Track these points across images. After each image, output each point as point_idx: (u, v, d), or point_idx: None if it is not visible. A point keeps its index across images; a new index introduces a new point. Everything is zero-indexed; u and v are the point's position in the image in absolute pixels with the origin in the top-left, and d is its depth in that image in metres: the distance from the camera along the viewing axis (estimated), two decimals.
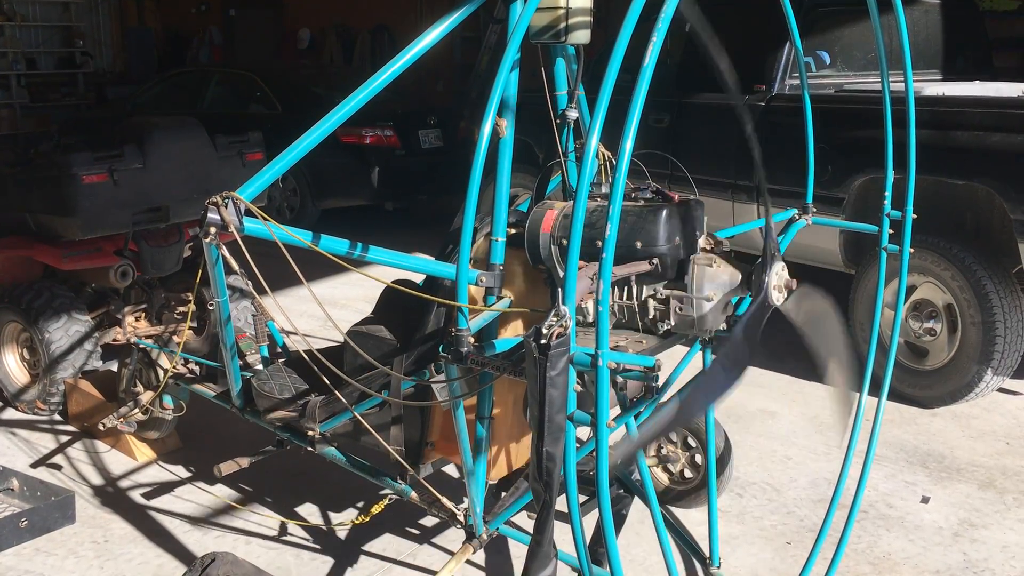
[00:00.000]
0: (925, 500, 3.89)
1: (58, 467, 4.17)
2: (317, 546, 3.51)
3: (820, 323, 2.50)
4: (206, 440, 4.34)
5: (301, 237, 2.24)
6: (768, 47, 5.64)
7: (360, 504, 3.78)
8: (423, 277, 2.93)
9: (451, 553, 3.28)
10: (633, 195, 2.61)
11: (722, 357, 2.11)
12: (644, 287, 2.52)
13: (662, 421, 2.09)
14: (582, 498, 3.04)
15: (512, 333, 2.76)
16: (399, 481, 2.98)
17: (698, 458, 3.68)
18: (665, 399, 3.18)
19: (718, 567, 3.15)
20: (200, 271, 2.59)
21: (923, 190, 4.29)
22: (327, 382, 2.58)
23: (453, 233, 2.81)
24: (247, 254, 2.20)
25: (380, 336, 2.98)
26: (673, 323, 2.50)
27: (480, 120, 2.29)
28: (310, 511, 3.76)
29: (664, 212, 2.49)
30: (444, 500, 2.90)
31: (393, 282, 2.72)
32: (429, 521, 3.62)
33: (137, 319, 5.06)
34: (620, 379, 2.15)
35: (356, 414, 2.80)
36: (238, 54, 16.38)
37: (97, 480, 4.06)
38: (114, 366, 4.31)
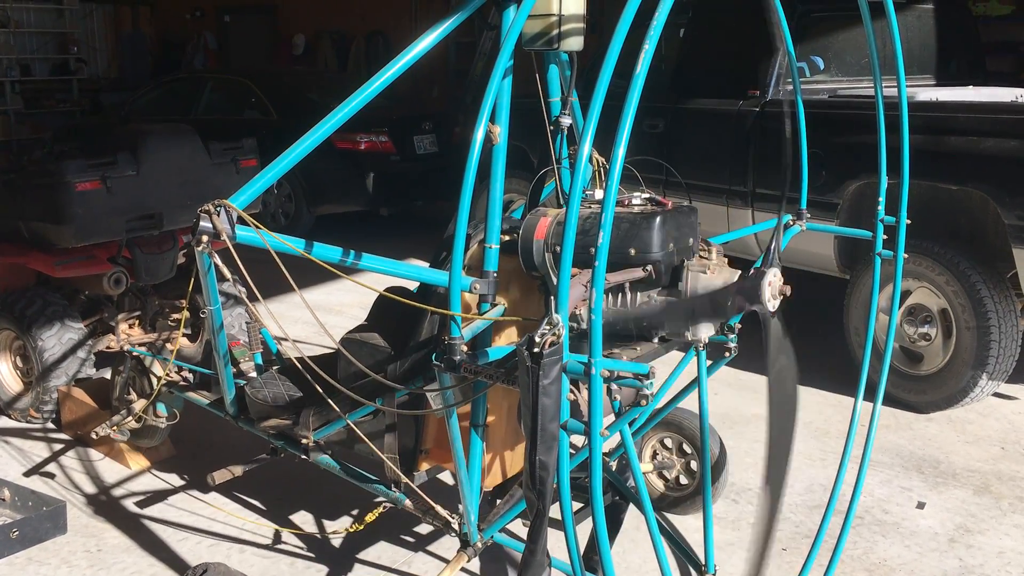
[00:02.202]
0: (921, 506, 3.89)
1: (51, 476, 4.16)
2: (311, 555, 3.49)
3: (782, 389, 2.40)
4: (200, 448, 4.32)
5: (293, 245, 2.23)
6: (761, 53, 5.64)
7: (354, 512, 3.77)
8: (417, 284, 2.93)
9: (446, 561, 3.27)
10: (626, 202, 2.61)
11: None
12: (638, 294, 2.52)
13: (767, 523, 1.97)
14: (576, 506, 3.03)
15: (506, 340, 2.75)
16: (393, 489, 2.97)
17: (693, 464, 3.68)
18: (659, 405, 3.18)
19: (713, 574, 3.14)
20: (193, 278, 2.58)
21: (917, 195, 4.28)
22: (320, 390, 2.57)
23: (447, 240, 2.80)
24: (239, 262, 2.19)
25: (374, 343, 2.97)
26: (667, 330, 2.49)
27: (474, 126, 2.29)
28: (304, 519, 3.75)
29: (658, 219, 2.48)
30: (438, 508, 2.89)
31: (387, 289, 2.71)
32: (423, 529, 3.61)
33: (131, 326, 5.05)
34: (614, 387, 2.14)
35: (350, 422, 2.79)
36: (233, 60, 16.38)
37: (90, 489, 4.04)
38: (107, 374, 4.30)
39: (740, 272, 2.53)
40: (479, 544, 2.82)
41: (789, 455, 2.03)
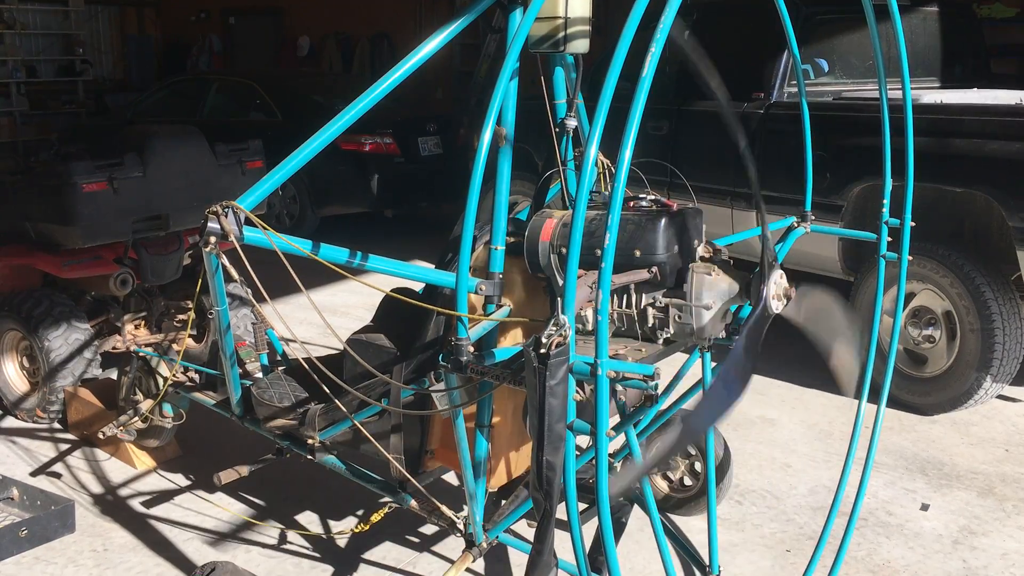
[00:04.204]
0: (925, 507, 3.89)
1: (58, 476, 4.17)
2: (317, 554, 3.51)
3: (825, 315, 2.49)
4: (206, 448, 4.34)
5: (301, 246, 2.24)
6: (766, 55, 5.65)
7: (360, 512, 3.78)
8: (422, 285, 2.94)
9: (451, 561, 3.27)
10: (632, 204, 2.62)
11: (723, 373, 2.10)
12: (643, 295, 2.53)
13: (665, 445, 2.07)
14: (582, 506, 3.04)
15: (512, 341, 2.76)
16: (399, 489, 2.98)
17: (697, 466, 3.69)
18: (664, 406, 3.19)
19: (718, 575, 3.15)
20: (200, 279, 2.59)
21: (921, 197, 4.30)
22: (326, 390, 2.58)
23: (453, 241, 2.81)
24: (247, 263, 2.20)
25: (380, 344, 2.98)
26: (672, 331, 2.50)
27: (479, 128, 2.30)
28: (310, 519, 3.76)
29: (663, 220, 2.49)
30: (444, 508, 2.90)
31: (392, 290, 2.73)
32: (429, 529, 3.62)
33: (137, 327, 5.07)
34: (620, 388, 2.15)
35: (355, 422, 2.81)
36: (237, 62, 16.42)
37: (97, 489, 4.06)
38: (114, 374, 4.31)
39: (743, 274, 2.54)
40: (484, 544, 2.83)
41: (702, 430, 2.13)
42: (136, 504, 3.91)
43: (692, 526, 3.59)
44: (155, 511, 3.84)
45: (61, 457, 4.36)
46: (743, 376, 2.09)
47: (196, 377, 3.80)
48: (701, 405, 2.14)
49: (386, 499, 3.07)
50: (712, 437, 3.15)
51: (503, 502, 3.02)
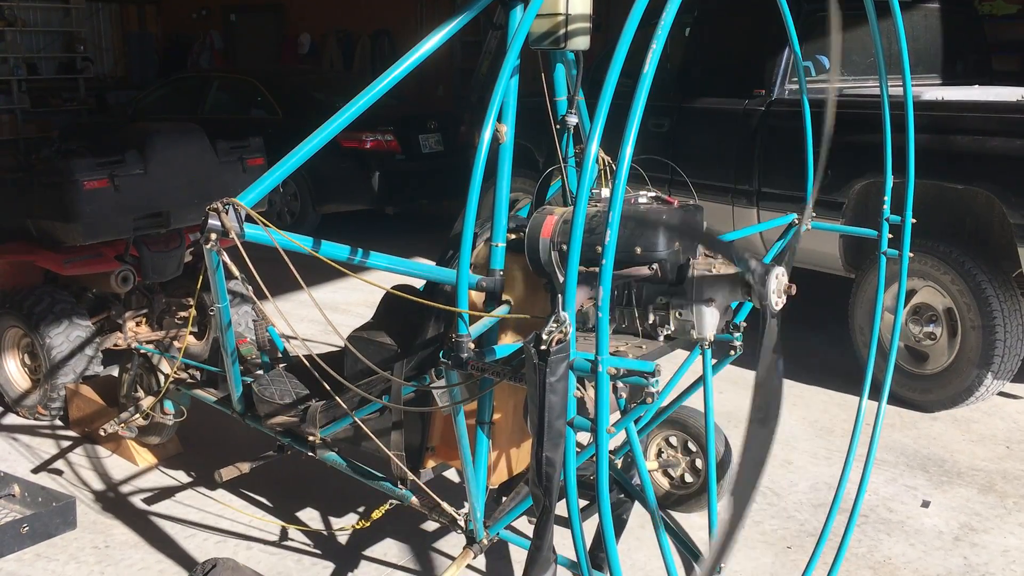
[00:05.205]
0: (925, 504, 3.90)
1: (59, 472, 4.18)
2: (318, 551, 3.51)
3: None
4: (207, 446, 4.34)
5: (302, 243, 2.24)
6: (767, 52, 5.65)
7: (361, 509, 3.78)
8: (423, 282, 2.94)
9: (451, 558, 3.28)
10: (632, 200, 2.62)
11: (754, 409, 2.05)
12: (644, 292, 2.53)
13: (729, 526, 1.97)
14: (582, 503, 3.04)
15: (512, 338, 2.76)
16: (400, 486, 2.99)
17: (698, 463, 3.69)
18: (664, 403, 3.19)
19: (719, 572, 3.15)
20: (201, 276, 2.60)
21: (923, 194, 4.31)
22: (327, 387, 2.59)
23: (453, 238, 2.82)
24: (247, 259, 2.20)
25: (380, 341, 2.99)
26: (673, 328, 2.50)
27: (480, 125, 2.30)
28: (311, 516, 3.77)
29: (664, 218, 2.49)
30: (444, 505, 2.90)
31: (393, 287, 2.73)
32: (430, 526, 3.62)
33: (138, 324, 5.07)
34: (620, 384, 2.15)
35: (356, 419, 2.81)
36: (238, 59, 16.41)
37: (98, 485, 4.06)
38: (115, 371, 4.32)
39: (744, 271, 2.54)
40: (485, 541, 2.83)
41: (760, 476, 2.03)
42: (137, 501, 3.91)
43: (693, 523, 3.60)
44: (156, 508, 3.85)
45: (62, 454, 4.37)
46: (776, 402, 2.05)
47: (197, 374, 3.80)
48: (744, 459, 2.06)
49: (387, 496, 3.07)
50: (712, 434, 3.15)
51: (504, 499, 3.03)
